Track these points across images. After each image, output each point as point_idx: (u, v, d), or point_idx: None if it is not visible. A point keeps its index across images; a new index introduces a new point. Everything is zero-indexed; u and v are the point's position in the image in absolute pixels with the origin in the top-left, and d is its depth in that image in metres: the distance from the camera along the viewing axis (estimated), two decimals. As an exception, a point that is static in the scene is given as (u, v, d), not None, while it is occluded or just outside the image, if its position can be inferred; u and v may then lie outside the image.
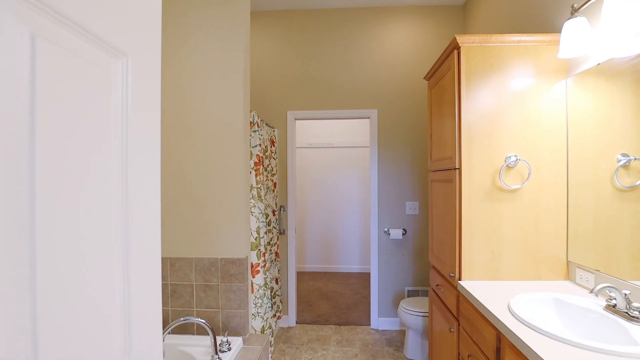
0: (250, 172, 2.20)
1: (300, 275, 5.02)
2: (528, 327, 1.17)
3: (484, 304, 1.38)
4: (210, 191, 1.95)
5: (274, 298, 2.93)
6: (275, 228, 3.09)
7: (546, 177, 1.67)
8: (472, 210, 1.69)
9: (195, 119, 1.96)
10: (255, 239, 2.18)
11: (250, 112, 2.34)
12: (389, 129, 3.17)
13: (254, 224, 2.19)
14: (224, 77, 1.94)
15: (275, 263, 3.05)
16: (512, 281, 1.67)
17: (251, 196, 2.19)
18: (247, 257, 1.97)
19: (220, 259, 1.95)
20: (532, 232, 1.67)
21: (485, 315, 1.37)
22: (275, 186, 3.12)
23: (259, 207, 2.35)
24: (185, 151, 1.97)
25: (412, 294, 3.15)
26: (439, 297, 2.03)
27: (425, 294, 3.15)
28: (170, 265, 1.99)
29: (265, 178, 2.81)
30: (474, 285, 1.61)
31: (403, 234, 3.14)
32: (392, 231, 3.12)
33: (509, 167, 1.67)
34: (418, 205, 3.15)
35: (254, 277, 2.17)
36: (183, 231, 1.98)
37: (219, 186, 1.95)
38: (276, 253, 3.09)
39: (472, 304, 1.52)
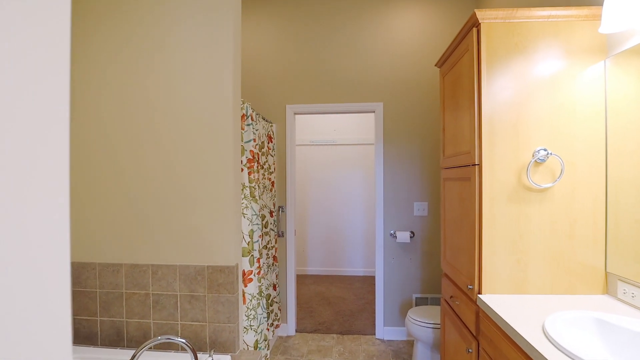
0: (242, 170, 1.99)
1: (302, 278, 4.80)
2: (571, 358, 0.95)
3: (513, 326, 1.15)
4: (195, 191, 1.74)
5: (271, 306, 2.71)
6: (273, 230, 2.88)
7: (581, 174, 1.43)
8: (494, 212, 1.46)
9: (178, 111, 1.75)
10: (248, 244, 1.96)
11: (243, 103, 2.13)
12: (395, 123, 2.94)
13: (246, 227, 1.97)
14: (210, 65, 1.72)
15: (272, 268, 2.83)
16: (541, 295, 1.43)
17: (243, 196, 1.98)
18: (237, 264, 1.76)
19: (207, 266, 1.74)
20: (565, 238, 1.44)
21: (513, 338, 1.14)
22: (273, 185, 2.90)
23: (252, 208, 2.14)
24: (166, 146, 1.75)
25: (420, 302, 2.92)
26: (453, 310, 1.81)
27: (435, 302, 2.92)
28: (152, 273, 1.78)
29: (261, 176, 2.60)
30: (497, 300, 1.38)
31: (411, 237, 2.91)
32: (398, 234, 2.89)
33: (537, 163, 1.44)
34: (427, 206, 2.91)
35: (246, 286, 1.95)
36: (166, 235, 1.77)
37: (205, 185, 1.73)
38: (274, 257, 2.88)
39: (495, 324, 1.29)
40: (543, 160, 1.43)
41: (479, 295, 1.45)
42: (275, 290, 2.87)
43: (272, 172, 2.88)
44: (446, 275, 1.97)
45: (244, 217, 1.96)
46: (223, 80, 1.72)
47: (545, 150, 1.42)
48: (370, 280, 4.67)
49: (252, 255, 1.99)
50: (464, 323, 1.64)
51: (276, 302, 2.88)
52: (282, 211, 3.04)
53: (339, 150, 4.96)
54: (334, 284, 4.53)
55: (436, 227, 2.91)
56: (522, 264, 1.45)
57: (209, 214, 1.74)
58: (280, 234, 3.03)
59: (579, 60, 1.44)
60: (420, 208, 2.92)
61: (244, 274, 1.95)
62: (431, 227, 2.92)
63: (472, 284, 1.51)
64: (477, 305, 1.47)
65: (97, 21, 1.78)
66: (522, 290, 1.45)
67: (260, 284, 2.17)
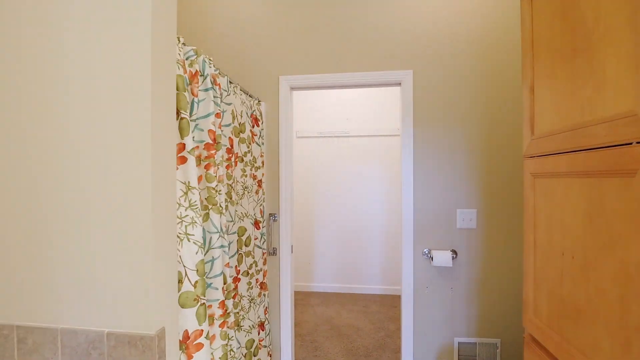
0: (185, 160, 1.20)
1: (306, 297, 4.00)
2: None
3: None
4: (80, 201, 0.96)
5: (255, 355, 1.92)
6: (260, 247, 2.08)
7: None
8: None
9: (51, 68, 0.96)
10: (195, 285, 1.17)
11: (197, 55, 1.34)
12: (431, 99, 2.10)
13: (191, 257, 1.18)
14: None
15: (259, 300, 2.04)
16: None
17: (187, 204, 1.19)
18: (162, 330, 0.97)
19: (108, 333, 0.95)
20: None
21: None
22: (260, 185, 2.11)
23: (212, 222, 1.34)
24: (36, 127, 0.97)
25: (465, 349, 2.08)
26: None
27: (486, 350, 2.06)
28: (18, 341, 1.01)
29: (240, 172, 1.82)
30: None
31: (453, 259, 2.07)
32: (435, 254, 2.05)
33: None
34: (476, 214, 2.06)
35: (191, 357, 1.16)
36: (40, 275, 0.99)
37: (96, 189, 0.94)
38: (261, 284, 2.08)
39: None
40: None
41: None
42: (263, 331, 2.08)
43: (258, 168, 2.09)
44: (536, 343, 1.13)
45: (188, 240, 1.17)
46: (130, 13, 0.91)
47: None
48: (390, 301, 3.83)
49: (204, 303, 1.19)
50: None
51: (264, 347, 2.09)
52: (273, 220, 2.24)
53: (354, 143, 4.13)
54: (345, 306, 3.71)
55: (489, 244, 2.06)
56: None
57: (108, 240, 0.95)
58: (272, 252, 2.23)
59: None
60: (466, 217, 2.07)
61: (186, 338, 1.16)
62: (482, 245, 2.06)
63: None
64: None
65: None
66: None
67: (226, 342, 1.37)
